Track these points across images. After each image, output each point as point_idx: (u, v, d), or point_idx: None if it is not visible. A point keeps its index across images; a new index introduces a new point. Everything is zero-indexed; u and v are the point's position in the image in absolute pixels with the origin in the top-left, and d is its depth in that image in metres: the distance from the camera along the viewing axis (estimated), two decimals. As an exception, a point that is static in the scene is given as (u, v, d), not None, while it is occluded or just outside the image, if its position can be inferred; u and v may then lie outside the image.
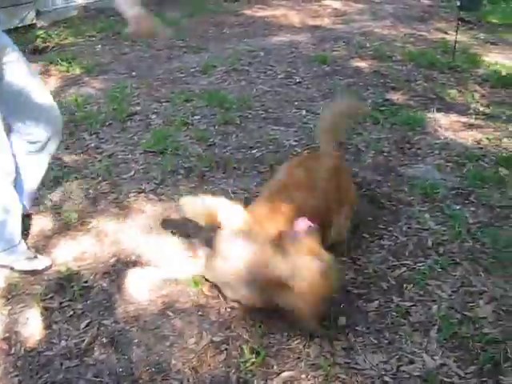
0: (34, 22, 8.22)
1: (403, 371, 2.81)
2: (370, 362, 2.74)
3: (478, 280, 3.40)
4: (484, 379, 2.79)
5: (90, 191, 4.02)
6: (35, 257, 3.31)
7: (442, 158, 4.59)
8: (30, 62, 6.66)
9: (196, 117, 5.13)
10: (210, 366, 2.70)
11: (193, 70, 6.44)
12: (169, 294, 3.14)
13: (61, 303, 3.10)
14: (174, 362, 2.74)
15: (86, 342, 2.89)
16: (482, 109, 5.51)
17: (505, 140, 4.93)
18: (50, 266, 3.31)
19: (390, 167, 4.43)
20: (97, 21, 8.57)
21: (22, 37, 7.51)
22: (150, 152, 4.50)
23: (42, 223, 3.70)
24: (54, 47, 7.77)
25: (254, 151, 4.57)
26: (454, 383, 2.76)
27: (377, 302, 3.10)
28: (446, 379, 2.78)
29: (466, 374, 2.81)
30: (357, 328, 2.92)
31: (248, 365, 2.68)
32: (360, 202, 3.97)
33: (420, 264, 3.47)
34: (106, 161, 4.37)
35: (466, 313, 3.15)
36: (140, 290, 3.18)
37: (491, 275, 3.43)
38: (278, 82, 5.96)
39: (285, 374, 2.64)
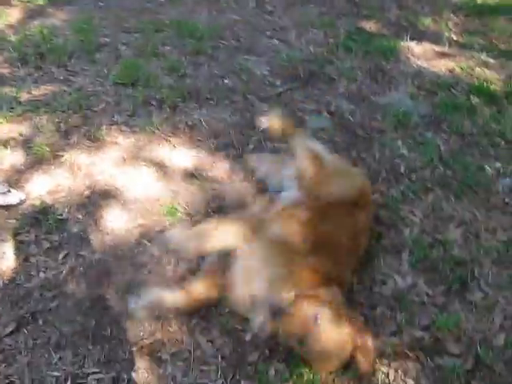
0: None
1: (376, 292, 2.92)
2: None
3: (449, 205, 3.49)
4: (452, 297, 2.92)
5: (61, 125, 3.93)
6: (8, 191, 3.26)
7: (415, 86, 4.60)
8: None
9: (167, 47, 4.99)
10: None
11: (161, 0, 6.23)
12: (145, 224, 3.17)
13: (37, 236, 3.11)
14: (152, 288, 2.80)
15: (64, 272, 2.92)
16: (455, 38, 5.49)
17: (477, 69, 4.94)
18: (25, 200, 3.28)
19: (363, 95, 4.43)
20: None
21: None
22: (121, 84, 4.38)
23: (13, 158, 3.63)
24: (14, -24, 7.42)
25: (226, 81, 4.51)
26: (424, 302, 2.89)
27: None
28: (416, 298, 2.91)
29: (435, 293, 2.94)
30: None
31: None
32: (334, 130, 4.02)
33: (393, 190, 3.54)
34: (75, 93, 4.26)
35: (436, 236, 3.26)
36: (116, 220, 3.20)
37: (461, 201, 3.53)
38: (249, 12, 5.81)
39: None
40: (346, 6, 5.99)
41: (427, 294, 2.93)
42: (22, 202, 3.26)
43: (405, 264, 3.06)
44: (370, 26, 5.54)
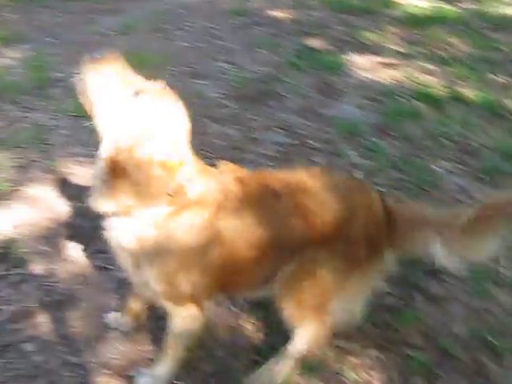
0: None
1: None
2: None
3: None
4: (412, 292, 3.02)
5: (20, 160, 4.00)
6: None
7: (362, 97, 4.81)
8: None
9: (119, 78, 5.09)
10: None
11: (113, 32, 6.36)
12: (108, 251, 3.23)
13: (6, 270, 3.14)
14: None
15: (31, 304, 2.96)
16: (396, 48, 5.74)
17: (419, 76, 5.18)
18: None
19: (313, 110, 4.60)
20: (6, -11, 8.25)
21: None
22: (77, 116, 4.47)
23: (-27, 196, 3.69)
24: (-36, 20, 7.46)
25: (180, 106, 4.62)
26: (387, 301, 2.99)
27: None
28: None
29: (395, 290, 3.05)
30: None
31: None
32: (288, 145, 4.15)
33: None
34: (32, 129, 4.34)
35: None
36: (79, 249, 3.26)
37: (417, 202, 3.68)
38: (198, 38, 5.99)
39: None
40: (292, 25, 6.22)
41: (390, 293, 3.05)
42: None
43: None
44: (315, 43, 5.76)
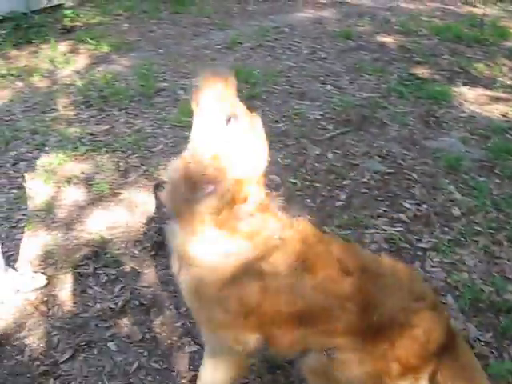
0: (62, 2, 8.32)
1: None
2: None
3: (501, 250, 3.45)
4: (505, 343, 2.86)
5: (121, 164, 4.14)
6: (32, 277, 3.14)
7: (467, 131, 4.62)
8: (59, 41, 6.91)
9: (222, 92, 5.19)
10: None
11: (218, 46, 6.50)
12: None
13: (95, 269, 3.23)
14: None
15: (119, 305, 3.02)
16: (509, 82, 5.49)
17: (531, 113, 4.93)
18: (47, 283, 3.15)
19: (415, 140, 4.46)
20: (123, 0, 8.65)
21: (50, 17, 7.65)
22: (178, 126, 4.60)
23: (75, 194, 3.83)
24: (81, 26, 7.87)
25: (279, 125, 4.64)
26: (474, 346, 2.84)
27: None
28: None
29: (487, 338, 2.89)
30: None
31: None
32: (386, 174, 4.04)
33: (444, 234, 3.53)
34: (135, 135, 4.49)
35: (488, 281, 3.22)
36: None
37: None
38: (303, 58, 6.00)
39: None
40: (398, 52, 6.10)
41: (478, 339, 2.89)
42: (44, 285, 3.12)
43: (455, 308, 3.03)
44: (422, 71, 5.62)
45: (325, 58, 5.98)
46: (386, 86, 5.27)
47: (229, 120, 1.87)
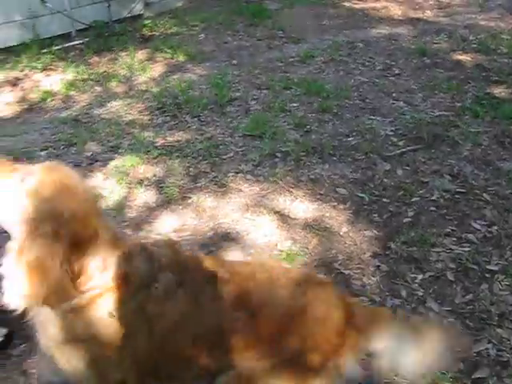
0: (142, 12, 8.60)
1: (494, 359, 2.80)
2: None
3: None
4: None
5: (191, 169, 4.23)
6: None
7: (546, 154, 4.45)
8: (137, 49, 7.15)
9: (294, 104, 5.25)
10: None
11: (292, 59, 6.54)
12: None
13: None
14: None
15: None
16: None
17: None
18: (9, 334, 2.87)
19: (488, 161, 4.34)
20: (200, 11, 8.85)
21: (129, 26, 7.92)
22: (249, 135, 4.67)
23: (146, 196, 3.95)
24: (159, 36, 8.10)
25: (349, 139, 4.62)
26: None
27: (471, 294, 3.09)
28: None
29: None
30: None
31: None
32: (456, 193, 3.95)
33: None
34: (206, 142, 4.58)
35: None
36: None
37: None
38: (376, 74, 5.96)
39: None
40: (475, 70, 5.95)
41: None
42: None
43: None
44: (499, 91, 5.46)
45: (398, 75, 5.91)
46: (461, 104, 5.15)
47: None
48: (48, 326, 1.81)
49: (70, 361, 1.83)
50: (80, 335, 1.77)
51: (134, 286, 1.78)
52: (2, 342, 2.79)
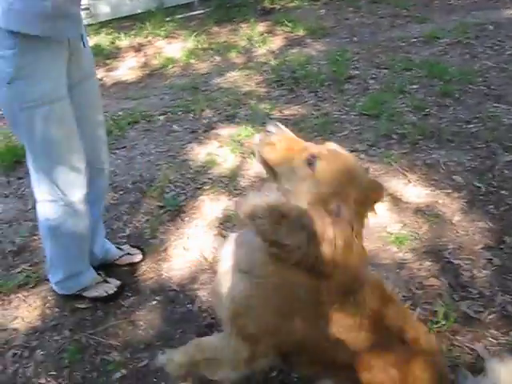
0: (266, -16, 8.64)
1: None
2: None
3: None
4: None
5: (305, 144, 4.24)
6: (105, 281, 3.07)
7: None
8: (258, 21, 7.22)
9: (414, 86, 5.10)
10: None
11: (415, 39, 6.35)
12: (371, 249, 3.26)
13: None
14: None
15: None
16: None
17: None
18: (121, 286, 3.09)
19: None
20: (323, -15, 8.77)
21: (251, -2, 8.01)
22: (365, 115, 4.61)
23: (258, 167, 4.00)
24: (280, 9, 8.14)
25: (470, 126, 4.44)
26: None
27: None
28: None
29: None
30: None
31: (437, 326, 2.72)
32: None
33: None
34: (322, 118, 4.58)
35: None
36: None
37: None
38: (505, 59, 5.65)
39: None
40: None
41: None
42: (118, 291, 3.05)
43: None
44: None
45: (531, 61, 5.59)
46: None
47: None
48: (238, 250, 1.89)
49: (232, 290, 1.89)
50: (259, 272, 1.82)
51: (337, 285, 1.80)
52: (115, 293, 2.99)
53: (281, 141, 1.79)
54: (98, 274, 3.04)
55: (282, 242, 1.65)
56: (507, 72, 5.33)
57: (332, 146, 1.85)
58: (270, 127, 1.81)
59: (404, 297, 2.91)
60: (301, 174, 1.72)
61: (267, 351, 1.96)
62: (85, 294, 2.97)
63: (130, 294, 3.02)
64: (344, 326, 1.84)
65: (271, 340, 1.92)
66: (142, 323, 2.85)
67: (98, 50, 6.89)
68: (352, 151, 4.12)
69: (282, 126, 1.86)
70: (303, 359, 1.97)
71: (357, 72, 5.46)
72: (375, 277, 2.17)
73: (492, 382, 2.25)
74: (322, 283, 1.75)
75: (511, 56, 5.71)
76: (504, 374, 2.25)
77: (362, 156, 4.08)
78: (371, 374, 1.88)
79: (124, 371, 2.58)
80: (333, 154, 1.77)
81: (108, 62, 6.83)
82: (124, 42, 7.26)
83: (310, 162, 1.71)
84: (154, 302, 2.96)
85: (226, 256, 1.96)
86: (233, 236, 1.99)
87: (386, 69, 5.52)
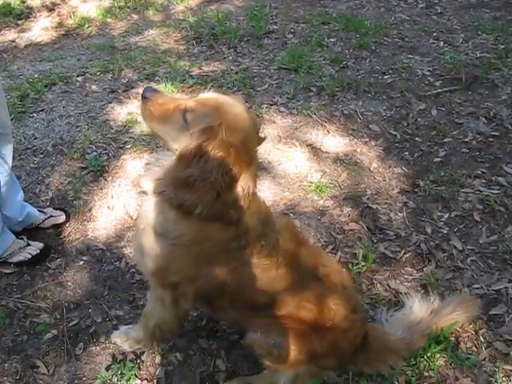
0: None
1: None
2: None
3: None
4: None
5: (226, 100, 4.25)
6: (28, 245, 3.01)
7: None
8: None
9: (331, 39, 5.18)
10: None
11: (331, -5, 6.41)
12: (291, 198, 3.35)
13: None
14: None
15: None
16: None
17: None
18: (46, 248, 3.06)
19: (528, 105, 4.27)
20: None
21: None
22: (284, 69, 4.66)
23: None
24: (197, -35, 7.97)
25: (385, 77, 4.58)
26: None
27: (496, 235, 3.09)
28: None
29: None
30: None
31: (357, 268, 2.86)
32: (490, 137, 3.90)
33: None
34: (241, 73, 4.59)
35: None
36: (264, 191, 3.39)
37: None
38: (417, 11, 5.81)
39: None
40: (522, 12, 5.76)
41: None
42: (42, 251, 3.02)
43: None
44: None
45: (441, 14, 5.76)
46: (504, 46, 5.00)
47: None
48: (153, 215, 1.92)
49: (151, 251, 1.97)
50: (173, 235, 1.89)
51: (246, 231, 1.86)
52: (39, 255, 2.95)
53: (156, 104, 1.82)
54: (21, 238, 2.99)
55: (188, 203, 1.72)
56: (420, 24, 5.49)
57: (204, 95, 1.88)
58: (146, 93, 1.83)
59: (326, 242, 3.03)
60: (179, 130, 1.77)
61: (188, 294, 2.03)
62: (9, 260, 2.92)
63: (56, 256, 2.98)
64: (260, 267, 1.92)
65: (191, 286, 1.99)
66: (70, 284, 2.83)
67: (6, 10, 6.57)
68: (272, 104, 4.19)
69: (157, 89, 1.89)
70: (225, 302, 2.04)
71: (275, 27, 5.47)
72: (285, 220, 2.31)
73: (406, 313, 2.41)
74: (232, 230, 1.83)
75: (424, 9, 5.88)
76: (416, 306, 2.42)
77: (282, 109, 4.14)
78: (289, 310, 1.98)
79: (55, 331, 2.58)
80: (200, 102, 1.79)
81: (19, 22, 6.51)
82: (35, 0, 6.94)
83: (184, 117, 1.75)
84: (81, 262, 2.94)
85: (144, 216, 1.99)
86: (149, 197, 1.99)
87: (304, 23, 5.56)
